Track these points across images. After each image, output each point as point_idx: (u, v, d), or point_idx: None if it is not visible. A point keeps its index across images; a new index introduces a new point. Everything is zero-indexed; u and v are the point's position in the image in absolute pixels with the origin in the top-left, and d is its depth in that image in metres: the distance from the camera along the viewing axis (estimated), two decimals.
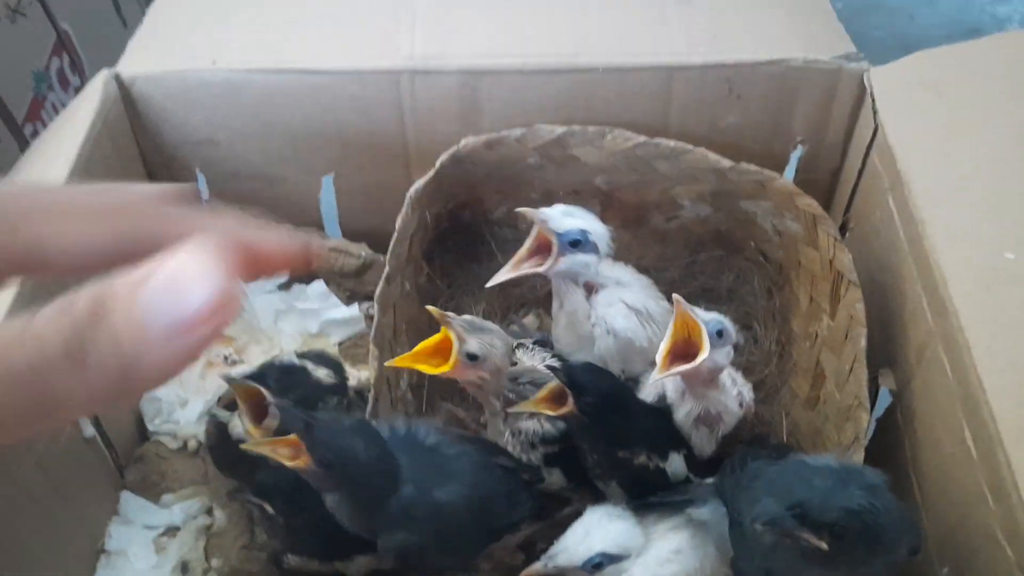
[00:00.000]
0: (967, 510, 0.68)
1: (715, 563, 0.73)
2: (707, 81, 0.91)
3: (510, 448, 0.79)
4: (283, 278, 1.06)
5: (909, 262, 0.78)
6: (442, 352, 0.74)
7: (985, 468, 0.65)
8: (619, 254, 0.86)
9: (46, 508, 0.78)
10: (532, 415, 0.78)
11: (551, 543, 0.72)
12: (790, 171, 0.98)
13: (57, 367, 0.34)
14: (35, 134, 1.16)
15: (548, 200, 0.93)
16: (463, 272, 1.01)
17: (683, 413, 0.79)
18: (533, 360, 0.83)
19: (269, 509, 0.76)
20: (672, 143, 0.87)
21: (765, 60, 0.91)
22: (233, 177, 1.00)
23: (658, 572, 0.71)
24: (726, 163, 0.86)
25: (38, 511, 0.77)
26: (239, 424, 0.81)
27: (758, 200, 0.90)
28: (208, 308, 0.33)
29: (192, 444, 0.94)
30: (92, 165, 0.85)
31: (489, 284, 0.81)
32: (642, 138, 0.88)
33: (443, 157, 0.86)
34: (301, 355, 0.86)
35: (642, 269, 0.92)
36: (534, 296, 1.00)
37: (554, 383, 0.72)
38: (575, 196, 0.93)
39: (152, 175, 1.00)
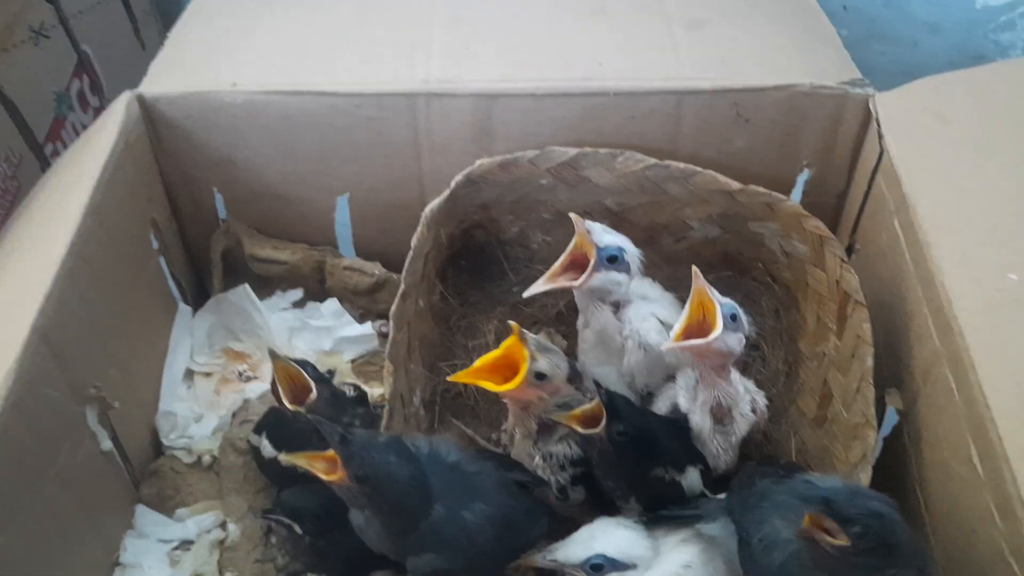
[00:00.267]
0: (974, 529, 0.69)
1: None
2: (716, 105, 0.93)
3: (541, 471, 0.81)
4: (298, 295, 1.08)
5: (915, 284, 0.80)
6: (499, 370, 0.75)
7: (992, 487, 0.66)
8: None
9: (63, 520, 0.79)
10: (561, 439, 0.80)
11: None
12: (797, 194, 0.99)
13: None
14: (56, 154, 1.18)
15: (560, 221, 0.96)
16: (476, 291, 1.03)
17: (698, 407, 0.80)
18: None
19: (297, 529, 0.77)
20: (682, 165, 0.89)
21: (773, 85, 0.93)
22: (251, 197, 1.02)
23: None
24: (735, 185, 0.88)
25: (56, 523, 0.78)
26: (268, 446, 0.84)
27: (766, 222, 0.92)
28: None
29: (206, 459, 0.95)
30: (113, 184, 0.87)
31: (526, 294, 0.82)
32: (653, 160, 0.89)
33: (458, 178, 0.88)
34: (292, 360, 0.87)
35: None
36: (545, 315, 1.01)
37: (592, 404, 0.74)
38: (586, 217, 0.94)
39: (171, 195, 1.02)
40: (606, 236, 0.82)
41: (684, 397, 0.82)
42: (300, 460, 0.68)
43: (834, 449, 0.85)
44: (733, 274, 1.01)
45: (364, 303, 1.07)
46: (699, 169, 0.89)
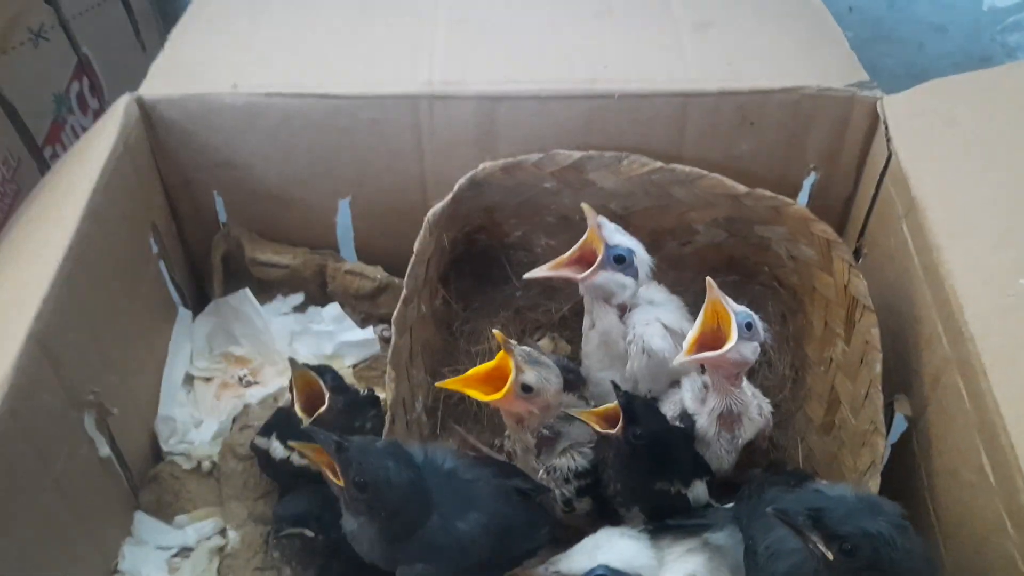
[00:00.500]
0: (986, 537, 0.68)
1: None
2: (721, 108, 0.92)
3: (545, 484, 0.80)
4: (299, 299, 1.07)
5: (924, 288, 0.79)
6: (493, 380, 0.74)
7: (1003, 495, 0.65)
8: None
9: (61, 528, 0.78)
10: (564, 451, 0.80)
11: None
12: (803, 198, 0.98)
13: None
14: (55, 157, 1.17)
15: (564, 224, 0.95)
16: (479, 295, 1.02)
17: (706, 413, 0.79)
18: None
19: (309, 532, 0.77)
20: (688, 169, 0.88)
21: (779, 88, 0.92)
22: (251, 199, 1.01)
23: None
24: (741, 189, 0.87)
25: (53, 530, 0.77)
26: (278, 447, 0.83)
27: (773, 226, 0.91)
28: None
29: (206, 465, 0.94)
30: (112, 187, 0.86)
31: (526, 276, 0.82)
32: (658, 163, 0.89)
33: (461, 181, 0.87)
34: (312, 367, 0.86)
35: None
36: (549, 320, 1.01)
37: (611, 406, 0.74)
38: None
39: (171, 197, 1.01)
40: (617, 235, 0.81)
41: (691, 400, 0.81)
42: (307, 449, 0.67)
43: (842, 456, 0.84)
44: (739, 278, 1.00)
45: (366, 307, 1.06)
46: (705, 172, 0.88)
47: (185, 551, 0.89)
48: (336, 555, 0.79)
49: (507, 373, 0.73)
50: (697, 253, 0.99)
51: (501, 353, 0.74)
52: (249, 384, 1.01)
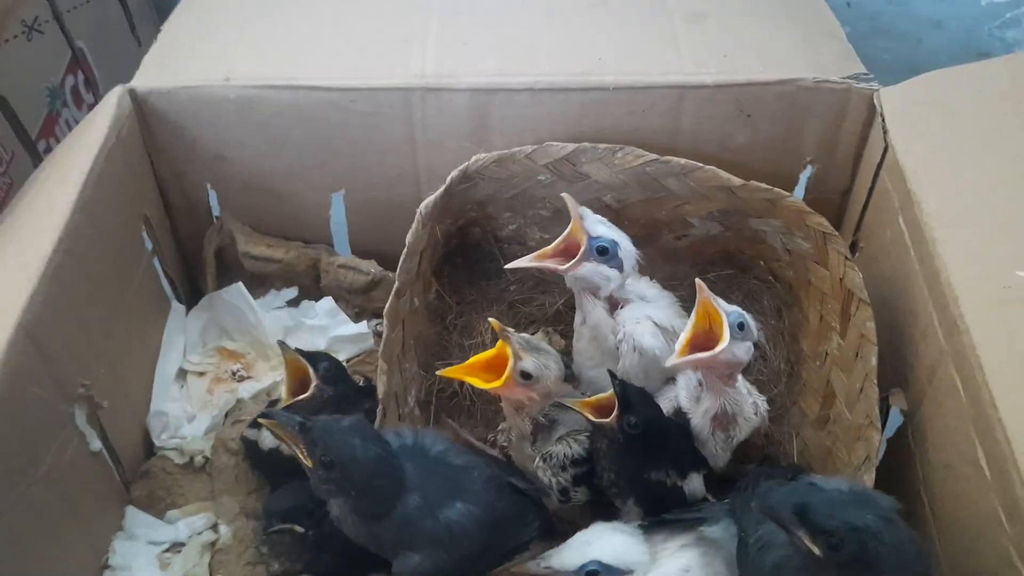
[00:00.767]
0: (981, 532, 0.67)
1: None
2: (717, 100, 0.92)
3: (540, 472, 0.80)
4: (292, 294, 1.07)
5: (920, 281, 0.78)
6: (494, 368, 0.74)
7: (999, 489, 0.64)
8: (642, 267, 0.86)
9: (51, 522, 0.78)
10: (560, 439, 0.80)
11: None
12: (799, 191, 0.98)
13: None
14: (48, 150, 1.16)
15: (557, 218, 0.94)
16: (472, 289, 1.01)
17: (700, 413, 0.79)
18: None
19: (299, 528, 0.76)
20: (683, 161, 0.87)
21: (775, 80, 0.91)
22: (244, 192, 1.01)
23: None
24: (736, 181, 0.86)
25: (43, 525, 0.77)
26: (267, 437, 0.83)
27: (768, 219, 0.90)
28: None
29: (198, 460, 0.93)
30: (104, 179, 0.85)
31: (508, 266, 0.81)
32: (653, 156, 0.88)
33: (454, 173, 0.87)
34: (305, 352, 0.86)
35: None
36: (543, 314, 1.00)
37: (606, 395, 0.74)
38: None
39: (164, 190, 1.00)
40: (600, 227, 0.80)
41: (686, 398, 0.80)
42: (278, 428, 0.67)
43: (836, 450, 0.83)
44: (734, 272, 1.00)
45: (359, 302, 1.05)
46: (700, 165, 0.87)
47: (177, 546, 0.89)
48: (326, 548, 0.79)
49: (507, 361, 0.74)
50: (692, 246, 0.98)
51: (500, 341, 0.74)
52: (242, 379, 1.01)
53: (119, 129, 0.90)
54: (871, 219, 0.92)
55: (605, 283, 0.81)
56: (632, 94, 0.92)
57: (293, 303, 1.07)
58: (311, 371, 0.82)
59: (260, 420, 0.70)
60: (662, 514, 0.76)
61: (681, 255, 0.99)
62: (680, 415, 0.80)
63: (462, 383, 0.90)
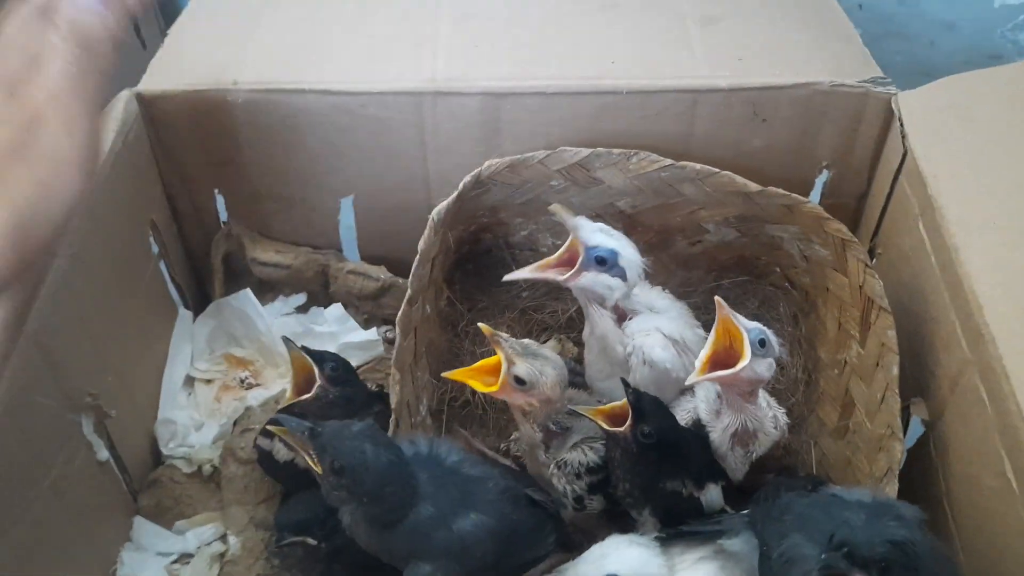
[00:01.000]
0: (1007, 545, 0.66)
1: None
2: (732, 104, 0.90)
3: (555, 479, 0.79)
4: (301, 300, 1.05)
5: (941, 289, 0.77)
6: (498, 372, 0.74)
7: None
8: (648, 276, 0.84)
9: (58, 533, 0.77)
10: (575, 445, 0.79)
11: None
12: (815, 195, 0.96)
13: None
14: None
15: None
16: (484, 296, 1.00)
17: (720, 430, 0.77)
18: None
19: (311, 541, 0.75)
20: (698, 166, 0.86)
21: (791, 84, 0.90)
22: (252, 198, 0.99)
23: None
24: (753, 187, 0.85)
25: (50, 536, 0.75)
26: (282, 448, 0.82)
27: (785, 225, 0.89)
28: None
29: (207, 469, 0.92)
30: (111, 185, 0.84)
31: (506, 278, 0.80)
32: (668, 161, 0.87)
33: (466, 179, 0.85)
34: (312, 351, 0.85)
35: None
36: (556, 322, 0.99)
37: (619, 404, 0.73)
38: (597, 219, 0.91)
39: (171, 196, 0.99)
40: (597, 236, 0.78)
41: (705, 410, 0.79)
42: (287, 435, 0.66)
43: (856, 461, 0.82)
44: (749, 278, 0.98)
45: (369, 308, 1.04)
46: (716, 170, 0.86)
47: (185, 557, 0.88)
48: (338, 560, 0.78)
49: None
50: (707, 252, 0.97)
51: None
52: (250, 386, 0.99)
53: (126, 133, 0.88)
54: (889, 225, 0.90)
55: (609, 293, 0.79)
56: (645, 98, 0.90)
57: (302, 309, 1.05)
58: (316, 370, 0.81)
59: (269, 427, 0.69)
60: (679, 525, 0.75)
61: (696, 261, 0.97)
62: (699, 427, 0.79)
63: (474, 391, 0.89)
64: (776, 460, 0.87)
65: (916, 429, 0.81)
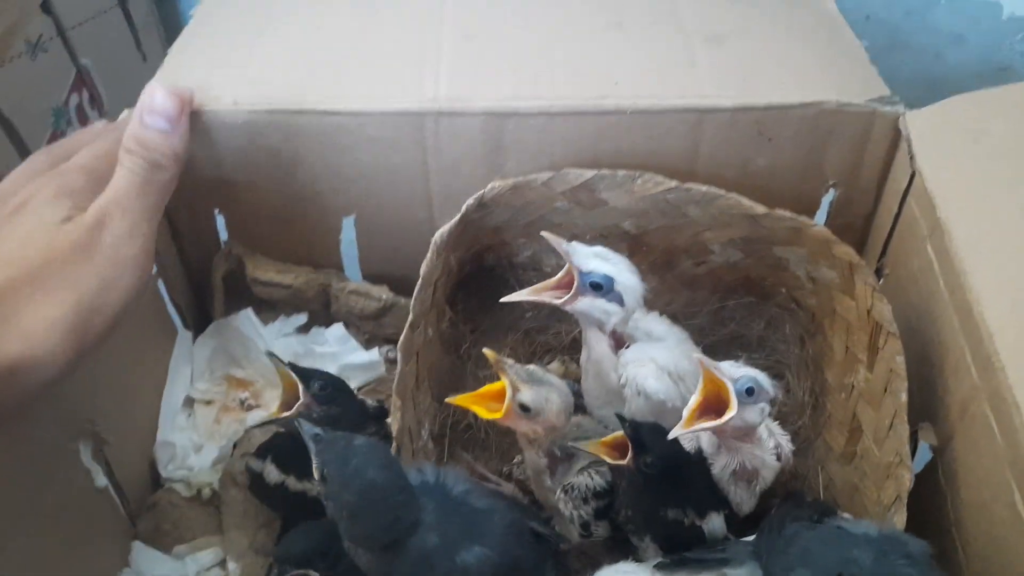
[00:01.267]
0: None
1: None
2: (737, 124, 0.89)
3: (562, 504, 0.78)
4: (302, 320, 1.04)
5: (950, 313, 0.75)
6: (503, 398, 0.73)
7: None
8: (648, 301, 0.83)
9: (55, 559, 0.76)
10: (582, 470, 0.78)
11: None
12: (821, 215, 0.95)
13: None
14: None
15: None
16: (487, 316, 0.99)
17: (719, 467, 0.77)
18: None
19: (314, 574, 0.74)
20: (704, 188, 0.85)
21: (797, 103, 0.88)
22: (252, 218, 0.98)
23: None
24: (760, 209, 0.84)
25: (46, 562, 0.75)
26: (272, 470, 0.82)
27: (792, 247, 0.88)
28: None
29: (206, 492, 0.91)
30: None
31: (503, 299, 0.79)
32: (674, 183, 0.85)
33: (469, 201, 0.84)
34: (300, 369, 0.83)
35: (670, 315, 0.90)
36: (559, 343, 0.98)
37: (620, 434, 0.72)
38: (602, 240, 0.90)
39: (170, 215, 0.98)
40: (592, 261, 0.77)
41: (707, 443, 0.78)
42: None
43: (864, 488, 0.81)
44: (755, 299, 0.97)
45: (370, 328, 1.03)
46: (722, 192, 0.85)
47: None
48: None
49: None
50: (712, 273, 0.96)
51: None
52: (251, 408, 0.98)
53: None
54: (897, 246, 0.89)
55: (607, 317, 0.78)
56: (649, 118, 0.89)
57: (303, 329, 1.04)
58: (300, 388, 0.80)
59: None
60: (682, 552, 0.74)
61: (701, 281, 0.96)
62: (701, 456, 0.78)
63: (476, 415, 0.87)
64: (782, 485, 0.86)
65: (924, 455, 0.80)
